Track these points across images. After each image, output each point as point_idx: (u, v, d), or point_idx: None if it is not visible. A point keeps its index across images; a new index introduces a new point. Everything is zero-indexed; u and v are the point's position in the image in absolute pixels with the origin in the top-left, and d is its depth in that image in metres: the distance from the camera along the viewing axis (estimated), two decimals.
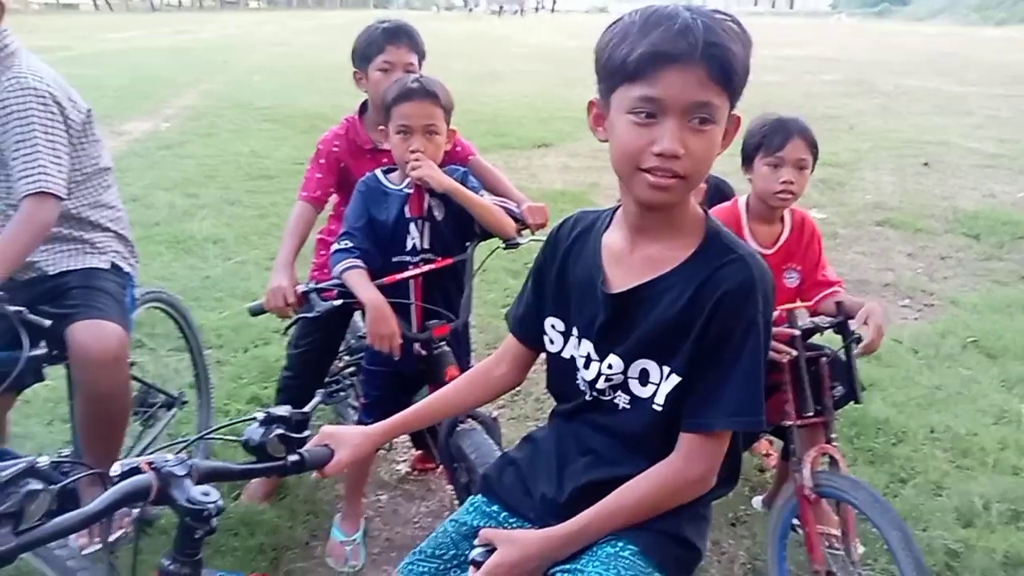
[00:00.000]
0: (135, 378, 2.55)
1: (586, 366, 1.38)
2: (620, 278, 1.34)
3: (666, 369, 1.30)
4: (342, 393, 2.89)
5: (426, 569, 1.46)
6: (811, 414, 2.21)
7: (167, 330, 3.20)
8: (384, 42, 2.45)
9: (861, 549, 2.38)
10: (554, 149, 9.22)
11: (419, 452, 2.95)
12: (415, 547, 1.52)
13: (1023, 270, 5.49)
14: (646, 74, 1.17)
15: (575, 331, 1.41)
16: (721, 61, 1.16)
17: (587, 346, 1.38)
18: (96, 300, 2.20)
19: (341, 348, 2.84)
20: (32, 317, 1.93)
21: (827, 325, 2.23)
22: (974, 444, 3.23)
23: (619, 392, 1.36)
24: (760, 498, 2.87)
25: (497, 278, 4.92)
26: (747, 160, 2.33)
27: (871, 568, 2.44)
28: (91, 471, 1.25)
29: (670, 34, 1.15)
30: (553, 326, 1.45)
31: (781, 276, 2.39)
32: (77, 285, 2.21)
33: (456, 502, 2.28)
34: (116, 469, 1.14)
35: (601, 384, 1.36)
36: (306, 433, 1.37)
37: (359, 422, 2.53)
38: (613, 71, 1.22)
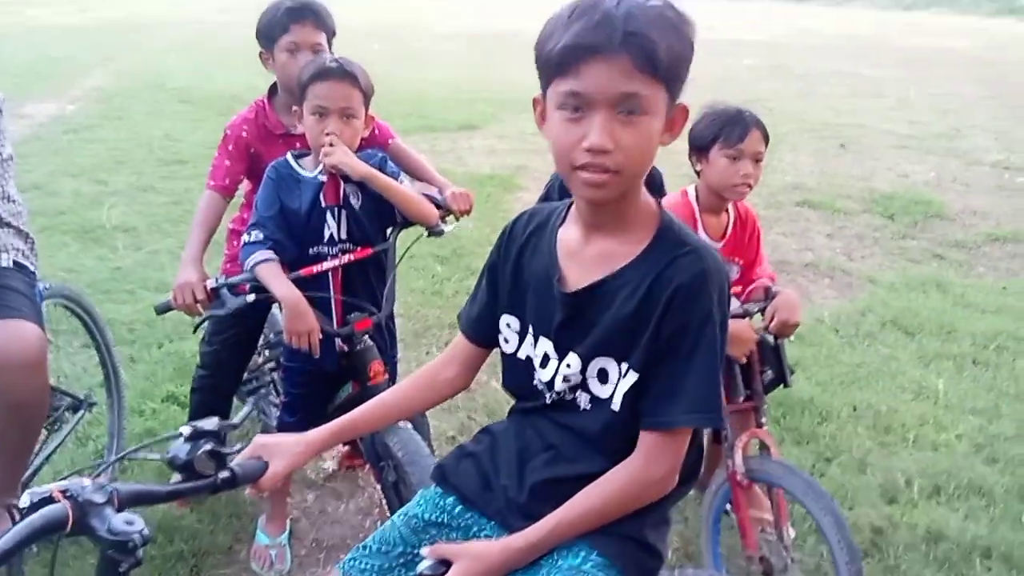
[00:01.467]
0: None
1: (543, 365, 1.34)
2: (576, 275, 1.30)
3: (624, 366, 1.26)
4: (263, 391, 2.77)
5: (370, 566, 1.38)
6: (741, 399, 2.21)
7: (72, 327, 3.02)
8: (288, 21, 2.32)
9: (793, 533, 2.41)
10: (480, 131, 9.09)
11: (347, 448, 2.85)
12: (354, 544, 1.45)
13: (936, 248, 5.69)
14: (570, 68, 1.14)
15: (531, 329, 1.36)
16: (644, 50, 1.11)
17: (545, 344, 1.33)
18: (7, 299, 2.02)
19: (260, 343, 2.72)
20: None
21: (756, 309, 2.23)
22: (895, 420, 3.32)
23: (579, 392, 1.32)
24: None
25: (425, 264, 4.83)
26: (700, 150, 2.27)
27: (801, 550, 2.47)
28: None
29: (590, 25, 1.11)
30: (508, 325, 1.40)
31: None
32: None
33: (384, 501, 2.20)
34: (25, 499, 1.03)
35: (559, 385, 1.32)
36: (236, 447, 1.30)
37: (280, 421, 2.42)
38: (544, 66, 1.19)
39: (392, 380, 2.33)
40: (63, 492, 1.03)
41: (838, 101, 12.17)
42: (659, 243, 1.25)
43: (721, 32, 27.14)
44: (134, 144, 7.95)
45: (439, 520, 1.41)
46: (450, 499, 1.44)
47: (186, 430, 1.19)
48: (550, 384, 1.33)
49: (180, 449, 1.18)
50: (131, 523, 1.04)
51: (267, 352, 2.79)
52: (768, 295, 2.25)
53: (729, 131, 2.19)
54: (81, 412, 2.56)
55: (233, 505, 2.66)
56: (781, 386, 2.38)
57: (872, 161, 8.23)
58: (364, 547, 1.41)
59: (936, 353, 3.95)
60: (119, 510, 1.06)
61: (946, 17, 30.26)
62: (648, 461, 1.25)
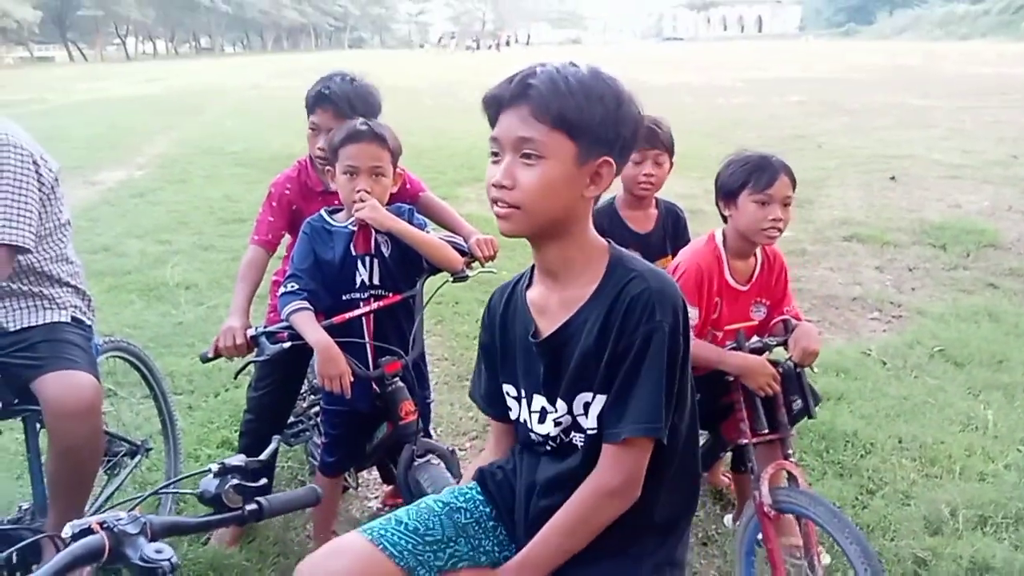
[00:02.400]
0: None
1: (541, 421, 1.44)
2: (546, 325, 1.41)
3: (596, 394, 1.36)
4: (307, 433, 2.89)
5: (403, 542, 1.44)
6: (766, 431, 2.24)
7: (132, 379, 3.19)
8: (313, 104, 2.48)
9: (827, 559, 2.40)
10: None
11: (390, 488, 2.94)
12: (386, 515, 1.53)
13: (988, 278, 5.58)
14: (491, 118, 1.32)
15: (524, 392, 1.47)
16: (536, 100, 1.26)
17: (539, 400, 1.44)
18: (65, 352, 2.21)
19: (304, 388, 2.85)
20: None
21: (774, 343, 2.27)
22: (941, 452, 3.26)
23: (573, 432, 1.41)
24: (731, 516, 2.88)
25: (470, 310, 4.94)
26: (728, 197, 2.32)
27: None
28: (40, 535, 1.25)
29: (503, 82, 1.30)
30: (509, 393, 1.51)
31: (749, 310, 2.42)
32: (42, 339, 2.22)
33: None
34: (67, 531, 1.13)
35: (554, 431, 1.42)
36: (262, 481, 1.37)
37: (322, 461, 2.53)
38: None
39: (425, 421, 2.43)
40: (101, 524, 1.12)
41: (887, 133, 12.07)
42: (609, 277, 1.36)
43: (770, 71, 27.29)
44: (195, 205, 8.35)
45: (477, 519, 1.52)
46: (488, 508, 1.54)
47: (215, 466, 1.28)
48: (547, 436, 1.44)
49: (209, 484, 1.27)
50: (160, 551, 1.12)
51: (311, 397, 2.92)
52: (787, 328, 2.28)
53: (758, 177, 2.24)
54: (138, 457, 2.72)
55: (281, 544, 2.77)
56: (807, 417, 2.39)
57: (922, 192, 8.13)
58: (399, 522, 1.47)
59: (986, 383, 3.88)
60: (152, 540, 1.15)
61: (1003, 44, 29.68)
62: (604, 472, 1.35)
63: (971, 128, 12.36)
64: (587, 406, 1.38)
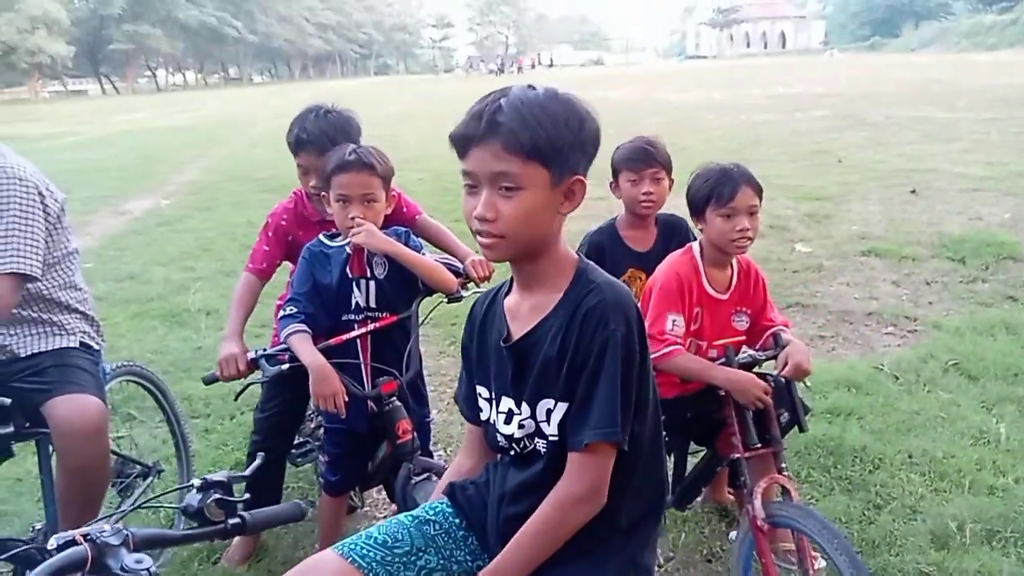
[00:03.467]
0: (111, 450, 2.62)
1: (507, 421, 1.49)
2: (516, 330, 1.48)
3: (557, 401, 1.41)
4: (313, 453, 2.95)
5: (372, 555, 1.50)
6: (758, 445, 2.26)
7: (152, 404, 3.29)
8: (295, 148, 2.55)
9: (822, 563, 2.41)
10: None
11: (397, 507, 2.98)
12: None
13: (1008, 290, 5.51)
14: (461, 153, 1.37)
15: (495, 393, 1.52)
16: (507, 135, 1.31)
17: (507, 402, 1.49)
18: (73, 376, 2.30)
19: (310, 410, 2.91)
20: None
21: (764, 357, 2.29)
22: (951, 466, 3.23)
23: (536, 439, 1.46)
24: (735, 532, 2.88)
25: None
26: (697, 212, 2.38)
27: None
28: (28, 546, 1.31)
29: (469, 118, 1.35)
30: (480, 394, 1.57)
31: (731, 319, 2.46)
32: (52, 364, 2.31)
33: None
34: (52, 543, 1.19)
35: (518, 434, 1.47)
36: (246, 496, 1.42)
37: (325, 480, 2.59)
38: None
39: (424, 439, 2.48)
40: (84, 536, 1.19)
41: (911, 147, 11.97)
42: (573, 288, 1.43)
43: (794, 87, 27.18)
44: (219, 232, 8.51)
45: (447, 530, 1.57)
46: (458, 520, 1.59)
47: (197, 482, 1.34)
48: (511, 437, 1.49)
49: (192, 498, 1.33)
50: (140, 562, 1.19)
51: (317, 417, 2.98)
52: (778, 343, 2.30)
53: (719, 191, 2.29)
54: (150, 479, 2.80)
55: (289, 564, 2.75)
56: (798, 430, 2.41)
57: (943, 205, 8.06)
58: (369, 536, 1.54)
59: (1000, 397, 3.84)
60: (136, 551, 1.21)
61: None
62: (570, 480, 1.39)
63: (996, 140, 12.22)
64: (549, 412, 1.43)
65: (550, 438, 1.44)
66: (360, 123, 2.60)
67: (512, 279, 1.54)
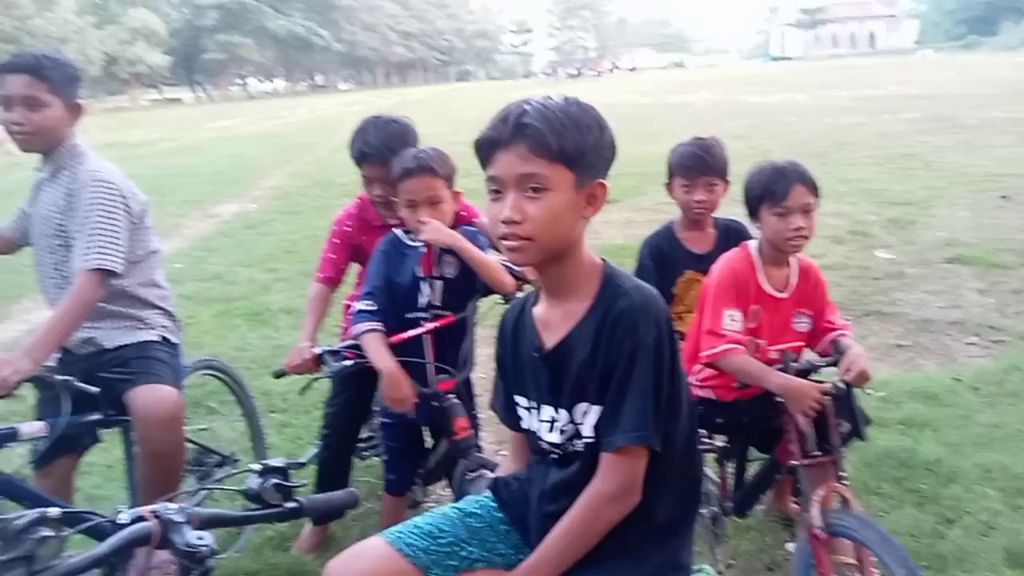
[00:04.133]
0: (190, 440, 2.78)
1: (550, 430, 1.53)
2: (549, 338, 1.51)
3: (591, 404, 1.45)
4: (379, 447, 3.05)
5: (417, 543, 1.56)
6: (817, 453, 2.23)
7: (233, 398, 3.45)
8: (359, 161, 2.66)
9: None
10: (618, 205, 9.32)
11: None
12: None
13: None
14: (487, 159, 1.40)
15: (535, 402, 1.56)
16: (535, 138, 1.34)
17: (549, 411, 1.53)
18: (153, 368, 2.45)
19: (376, 407, 3.01)
20: (80, 385, 2.18)
21: (822, 364, 2.27)
22: None
23: (575, 440, 1.51)
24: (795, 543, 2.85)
25: None
26: (752, 211, 2.38)
27: None
28: (101, 519, 1.42)
29: (495, 123, 1.38)
30: (519, 403, 1.61)
31: (791, 320, 2.43)
32: (134, 356, 2.47)
33: None
34: (123, 517, 1.29)
35: (559, 438, 1.51)
36: (302, 482, 1.50)
37: (386, 481, 2.68)
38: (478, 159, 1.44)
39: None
40: (153, 512, 1.28)
41: (1004, 151, 11.47)
42: (603, 293, 1.46)
43: (883, 88, 26.31)
44: (302, 235, 8.78)
45: (490, 524, 1.63)
46: (501, 514, 1.65)
47: (257, 467, 1.41)
48: (555, 444, 1.53)
49: (252, 482, 1.40)
50: (202, 539, 1.26)
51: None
52: (837, 348, 2.28)
53: (773, 190, 2.27)
54: (225, 467, 2.94)
55: None
56: (857, 439, 2.37)
57: None
58: (415, 525, 1.61)
59: None
60: (198, 529, 1.29)
61: None
62: (602, 479, 1.43)
63: None
64: (585, 415, 1.47)
65: (586, 439, 1.48)
66: (417, 131, 2.69)
67: (539, 289, 1.57)
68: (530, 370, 1.55)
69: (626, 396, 1.40)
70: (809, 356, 2.35)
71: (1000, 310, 5.24)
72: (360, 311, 2.41)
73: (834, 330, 2.42)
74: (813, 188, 2.33)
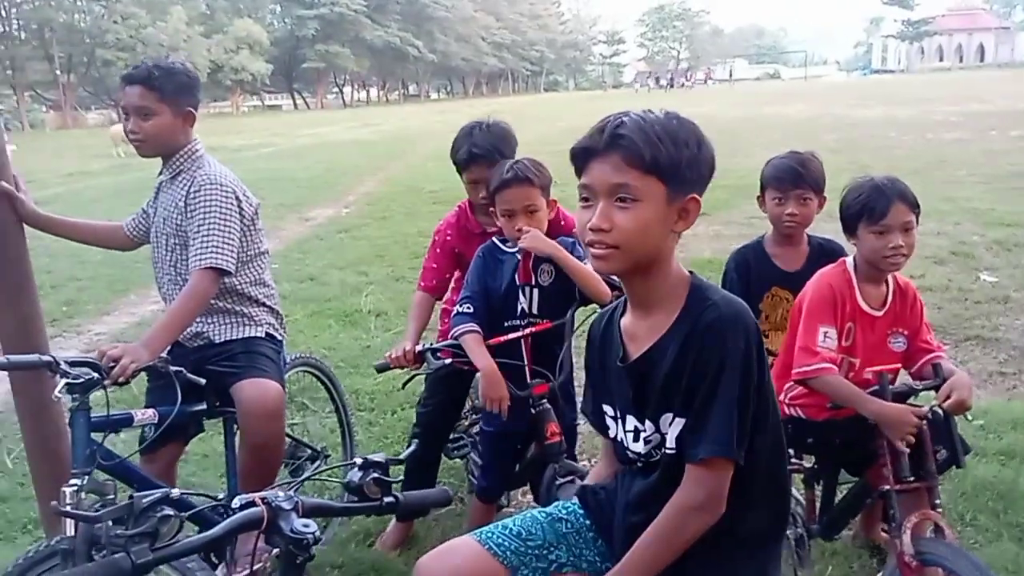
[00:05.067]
0: (286, 434, 2.90)
1: (635, 440, 1.55)
2: (634, 349, 1.53)
3: (675, 416, 1.46)
4: (466, 449, 3.12)
5: (507, 544, 1.61)
6: (911, 479, 2.17)
7: (324, 396, 3.59)
8: (467, 163, 2.72)
9: None
10: (707, 218, 9.20)
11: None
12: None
13: None
14: (581, 167, 1.43)
15: (619, 412, 1.59)
16: (629, 149, 1.36)
17: (632, 421, 1.56)
18: (258, 362, 2.58)
19: (466, 408, 3.08)
20: (190, 376, 2.31)
21: (920, 388, 2.21)
22: None
23: (661, 449, 1.52)
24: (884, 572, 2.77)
25: None
26: (849, 228, 2.34)
27: None
28: (216, 502, 1.52)
29: (592, 133, 1.42)
30: (606, 412, 1.64)
31: (887, 339, 2.38)
32: (241, 351, 2.60)
33: None
34: (236, 503, 1.37)
35: (643, 448, 1.54)
36: (400, 478, 1.55)
37: (478, 486, 2.74)
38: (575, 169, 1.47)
39: (570, 443, 2.57)
40: (262, 499, 1.36)
41: None
42: (690, 305, 1.46)
43: (991, 104, 25.14)
44: (393, 240, 9.01)
45: (577, 530, 1.66)
46: (588, 521, 1.67)
47: (359, 460, 1.47)
48: (640, 454, 1.55)
49: (354, 475, 1.46)
50: (307, 526, 1.33)
51: (472, 416, 3.15)
52: (937, 373, 2.21)
53: (872, 207, 2.23)
54: (318, 462, 3.06)
55: None
56: (955, 467, 2.29)
57: None
58: (505, 527, 1.64)
59: None
60: (303, 516, 1.36)
61: None
62: (686, 491, 1.44)
63: None
64: (670, 426, 1.48)
65: (667, 450, 1.49)
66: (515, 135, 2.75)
67: (626, 300, 1.59)
68: (615, 380, 1.57)
69: (712, 408, 1.40)
70: (906, 379, 2.29)
71: None
72: (458, 313, 2.47)
73: (931, 351, 2.35)
74: (913, 205, 2.27)
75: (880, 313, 2.36)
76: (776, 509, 1.53)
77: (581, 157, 1.45)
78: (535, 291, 2.49)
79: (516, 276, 2.49)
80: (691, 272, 1.53)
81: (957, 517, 2.97)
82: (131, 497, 1.29)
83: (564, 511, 1.69)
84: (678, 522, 1.44)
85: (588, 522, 1.67)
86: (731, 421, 1.40)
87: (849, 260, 2.40)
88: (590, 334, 1.69)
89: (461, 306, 2.49)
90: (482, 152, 2.66)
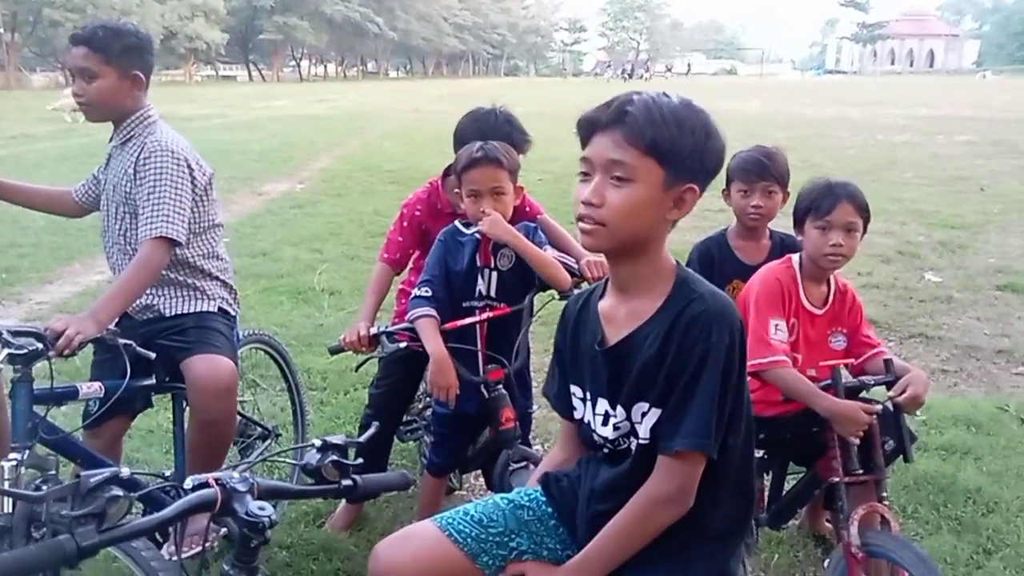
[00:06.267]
0: (238, 412, 2.83)
1: (604, 423, 1.53)
2: (612, 334, 1.51)
3: (651, 406, 1.45)
4: (419, 432, 3.09)
5: (468, 531, 1.58)
6: (860, 472, 2.22)
7: (276, 373, 3.52)
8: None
9: None
10: None
11: (493, 492, 3.08)
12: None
13: None
14: (585, 139, 1.40)
15: (589, 394, 1.57)
16: (631, 127, 1.34)
17: (603, 404, 1.54)
18: (210, 338, 2.51)
19: (420, 390, 3.05)
20: (139, 350, 2.23)
21: (873, 383, 2.25)
22: None
23: (630, 438, 1.51)
24: (830, 560, 2.83)
25: None
26: (798, 223, 2.40)
27: None
28: (167, 483, 1.46)
29: (600, 106, 1.38)
30: (574, 393, 1.61)
31: (828, 339, 2.43)
32: (193, 325, 2.53)
33: None
34: (188, 483, 1.30)
35: (612, 434, 1.52)
36: (359, 461, 1.51)
37: (430, 461, 2.71)
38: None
39: (524, 430, 2.56)
40: (216, 479, 1.30)
41: None
42: (675, 295, 1.44)
43: (939, 108, 25.82)
44: (348, 218, 8.88)
45: (539, 517, 1.64)
46: (551, 509, 1.66)
47: (317, 442, 1.43)
48: (607, 438, 1.53)
49: (312, 457, 1.42)
50: (263, 509, 1.28)
51: (427, 398, 3.12)
52: (889, 368, 2.26)
53: (819, 204, 2.28)
54: (268, 441, 3.01)
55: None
56: (903, 460, 2.34)
57: None
58: (466, 513, 1.62)
59: None
60: (258, 499, 1.31)
61: None
62: (658, 482, 1.43)
63: None
64: (643, 415, 1.47)
65: (641, 440, 1.48)
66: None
67: (606, 282, 1.57)
68: (589, 363, 1.55)
69: (691, 401, 1.39)
70: (861, 376, 2.33)
71: None
72: (416, 296, 2.44)
73: (873, 346, 2.42)
74: (861, 209, 2.32)
75: (821, 312, 2.42)
76: (742, 508, 1.53)
77: (586, 129, 1.41)
78: (494, 274, 2.47)
79: (477, 258, 2.46)
80: (678, 262, 1.51)
81: (899, 510, 3.04)
82: (77, 476, 1.23)
83: (526, 498, 1.67)
84: (646, 513, 1.44)
85: (550, 509, 1.65)
86: (710, 415, 1.39)
87: (795, 258, 2.44)
88: (564, 314, 1.66)
89: (420, 289, 2.45)
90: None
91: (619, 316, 1.51)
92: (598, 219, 1.39)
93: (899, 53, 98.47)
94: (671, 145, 1.36)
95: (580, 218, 1.41)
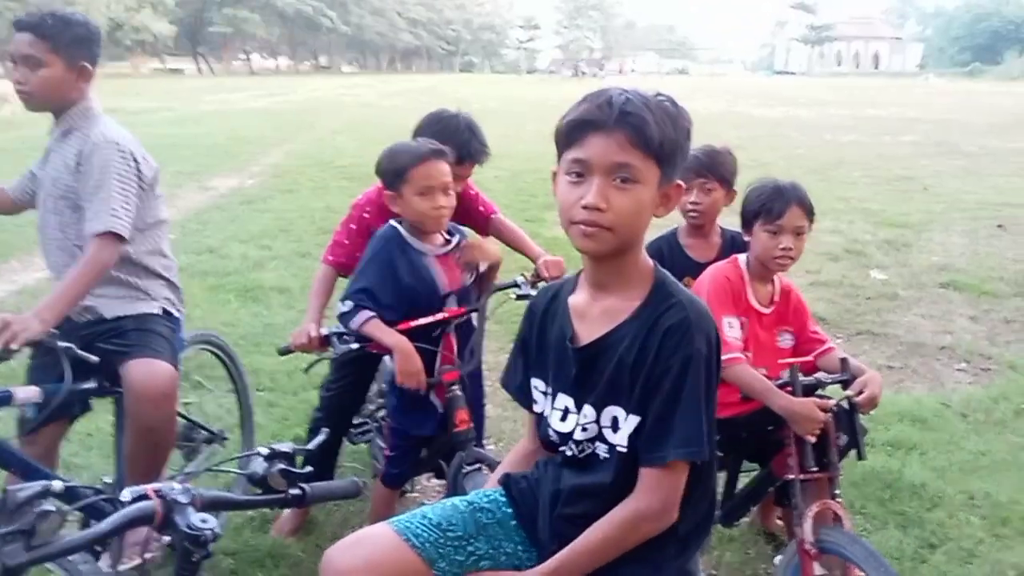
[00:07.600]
0: (180, 415, 2.74)
1: (563, 419, 1.50)
2: (585, 332, 1.47)
3: (628, 412, 1.41)
4: (371, 433, 3.03)
5: (426, 535, 1.52)
6: (815, 469, 2.23)
7: (222, 374, 3.42)
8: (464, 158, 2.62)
9: None
10: None
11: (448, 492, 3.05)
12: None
13: None
14: (576, 140, 1.35)
15: (552, 388, 1.53)
16: (637, 128, 1.30)
17: (564, 400, 1.50)
18: (150, 341, 2.42)
19: (371, 391, 2.99)
20: (80, 353, 2.13)
21: (829, 381, 2.27)
22: (1014, 512, 3.13)
23: (597, 442, 1.47)
24: (781, 556, 2.85)
25: None
26: (746, 224, 2.41)
27: None
28: (101, 496, 1.39)
29: (594, 106, 1.33)
30: (536, 387, 1.58)
31: (775, 337, 2.46)
32: (133, 328, 2.43)
33: None
34: (126, 495, 1.24)
35: (579, 435, 1.47)
36: (307, 469, 1.46)
37: (386, 472, 2.65)
38: (558, 139, 1.39)
39: (478, 430, 2.53)
40: (156, 491, 1.24)
41: (1003, 180, 11.55)
42: (653, 298, 1.42)
43: (884, 110, 26.43)
44: (299, 215, 8.72)
45: (499, 520, 1.60)
46: (511, 511, 1.62)
47: (264, 450, 1.37)
48: (568, 436, 1.49)
49: (258, 466, 1.36)
50: (205, 521, 1.23)
51: (378, 400, 3.06)
52: (845, 367, 2.28)
53: (769, 207, 2.31)
54: (213, 445, 2.92)
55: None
56: (857, 456, 2.36)
57: None
58: (424, 516, 1.57)
59: None
60: (200, 511, 1.26)
61: None
62: (644, 495, 1.39)
63: None
64: (616, 421, 1.43)
65: (617, 448, 1.43)
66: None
67: (577, 276, 1.54)
68: (555, 358, 1.51)
69: (676, 410, 1.36)
70: (816, 374, 2.35)
71: (990, 338, 5.26)
72: (353, 308, 2.32)
73: (822, 342, 2.47)
74: (809, 212, 2.37)
75: (768, 311, 2.45)
76: (704, 511, 1.51)
77: (579, 129, 1.35)
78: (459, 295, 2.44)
79: (443, 284, 2.38)
80: (655, 263, 1.48)
81: (848, 505, 3.07)
82: (4, 491, 1.16)
83: (486, 500, 1.63)
84: (630, 527, 1.40)
85: (510, 511, 1.62)
86: (699, 423, 1.36)
87: (742, 258, 2.46)
88: (531, 307, 1.61)
89: (357, 299, 2.31)
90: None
91: (592, 313, 1.47)
92: (604, 223, 1.34)
93: (846, 55, 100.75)
94: (671, 145, 1.34)
95: (579, 222, 1.35)
